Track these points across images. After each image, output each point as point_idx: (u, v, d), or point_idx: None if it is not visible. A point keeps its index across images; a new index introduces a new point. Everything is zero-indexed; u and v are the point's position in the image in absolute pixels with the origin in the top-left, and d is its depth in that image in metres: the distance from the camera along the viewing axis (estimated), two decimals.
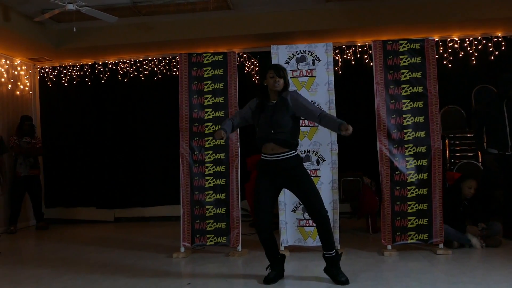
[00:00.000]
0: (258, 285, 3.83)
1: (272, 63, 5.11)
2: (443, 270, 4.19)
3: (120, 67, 8.07)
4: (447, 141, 6.91)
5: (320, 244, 4.88)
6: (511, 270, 4.06)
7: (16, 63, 7.82)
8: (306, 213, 4.90)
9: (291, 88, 5.03)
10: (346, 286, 3.71)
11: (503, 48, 7.15)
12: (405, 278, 3.95)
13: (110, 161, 8.01)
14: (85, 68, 8.16)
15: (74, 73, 8.19)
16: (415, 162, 4.89)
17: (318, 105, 5.02)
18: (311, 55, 5.09)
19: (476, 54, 7.22)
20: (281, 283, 3.87)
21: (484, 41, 7.21)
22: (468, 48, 7.26)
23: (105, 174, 8.00)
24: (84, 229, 7.41)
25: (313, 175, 4.96)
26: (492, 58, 7.17)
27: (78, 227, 7.57)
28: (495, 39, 7.19)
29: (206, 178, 5.06)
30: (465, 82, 7.24)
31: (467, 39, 7.28)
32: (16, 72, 7.84)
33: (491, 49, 7.17)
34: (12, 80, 7.71)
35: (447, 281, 3.82)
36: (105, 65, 8.11)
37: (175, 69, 7.83)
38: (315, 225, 3.87)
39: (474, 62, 7.22)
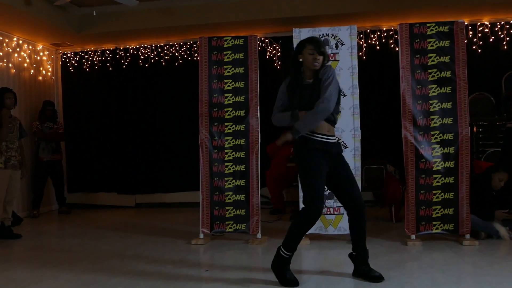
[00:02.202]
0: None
1: (295, 46, 4.96)
2: (469, 261, 4.04)
3: (141, 52, 8.03)
4: (475, 129, 6.68)
5: (341, 233, 4.82)
6: None
7: (38, 48, 7.86)
8: (327, 201, 4.80)
9: None
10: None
11: None
12: (429, 269, 3.82)
13: (131, 147, 8.02)
14: (107, 53, 8.15)
15: (96, 58, 8.19)
16: (441, 150, 4.72)
17: (342, 90, 4.86)
18: (334, 38, 4.93)
19: (507, 38, 6.94)
20: (301, 272, 3.78)
21: None
22: (499, 33, 6.97)
23: (127, 159, 8.01)
24: (105, 214, 7.45)
25: None
26: None
27: (99, 212, 7.62)
28: None
29: (226, 164, 4.99)
30: (495, 68, 6.99)
31: (498, 23, 6.99)
32: (38, 58, 7.87)
33: None
34: (34, 65, 7.75)
35: (473, 273, 3.68)
36: (126, 50, 8.08)
37: (196, 54, 7.75)
38: (352, 219, 3.49)
39: (506, 47, 6.95)
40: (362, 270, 3.54)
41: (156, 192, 7.99)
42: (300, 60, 3.40)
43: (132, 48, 8.07)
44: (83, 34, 7.37)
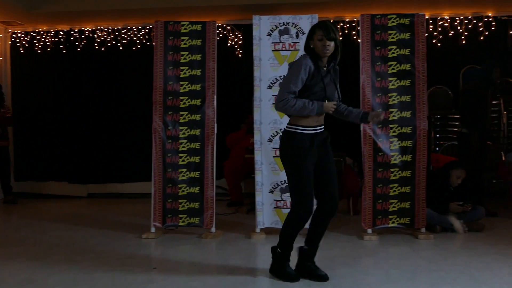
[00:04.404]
0: (229, 270, 3.62)
1: (254, 34, 4.80)
2: (424, 256, 4.02)
3: (98, 35, 7.67)
4: (432, 122, 6.72)
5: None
6: (493, 257, 3.94)
7: None
8: (284, 195, 4.68)
9: None
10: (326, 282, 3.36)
11: (493, 28, 6.96)
12: (385, 264, 3.78)
13: (84, 134, 7.67)
14: (60, 34, 7.74)
15: (48, 39, 7.78)
16: (399, 143, 4.68)
17: None
18: (295, 27, 4.79)
19: (466, 33, 6.99)
20: (253, 270, 3.65)
21: (475, 21, 6.99)
22: (458, 28, 7.02)
23: (79, 147, 7.66)
24: (55, 204, 7.10)
25: None
26: (482, 38, 6.96)
27: (49, 203, 7.25)
28: (486, 19, 6.97)
29: (180, 155, 4.78)
30: (454, 62, 7.07)
31: (457, 18, 7.03)
32: None
33: (481, 29, 6.95)
34: None
35: (428, 269, 3.65)
36: (81, 32, 7.70)
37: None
38: (321, 214, 3.33)
39: (464, 42, 7.01)
40: (309, 268, 3.43)
41: (109, 182, 7.69)
42: (311, 46, 3.24)
43: (88, 30, 7.70)
44: (35, 12, 6.94)
